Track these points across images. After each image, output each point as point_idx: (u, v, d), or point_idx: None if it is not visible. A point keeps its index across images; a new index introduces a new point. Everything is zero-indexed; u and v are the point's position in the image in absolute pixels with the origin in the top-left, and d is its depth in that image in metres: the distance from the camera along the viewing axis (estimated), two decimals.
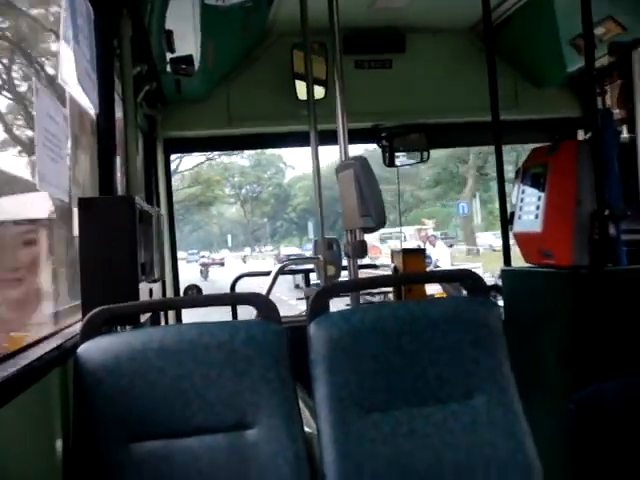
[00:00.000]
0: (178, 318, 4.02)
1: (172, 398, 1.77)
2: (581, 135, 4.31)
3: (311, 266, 5.17)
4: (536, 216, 3.04)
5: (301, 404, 1.91)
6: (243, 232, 56.64)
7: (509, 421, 1.88)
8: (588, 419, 2.49)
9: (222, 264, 41.06)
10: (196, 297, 2.53)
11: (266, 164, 51.38)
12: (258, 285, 3.60)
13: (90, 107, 2.34)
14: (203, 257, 40.64)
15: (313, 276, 4.91)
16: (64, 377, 1.77)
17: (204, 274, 28.85)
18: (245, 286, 4.30)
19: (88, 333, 1.82)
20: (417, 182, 41.77)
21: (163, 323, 3.66)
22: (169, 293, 4.06)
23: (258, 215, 54.52)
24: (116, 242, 2.08)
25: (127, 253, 2.10)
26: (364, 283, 2.91)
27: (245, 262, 43.16)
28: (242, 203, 53.32)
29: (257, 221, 55.47)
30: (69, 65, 1.95)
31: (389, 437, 1.84)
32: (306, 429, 1.88)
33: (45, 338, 1.92)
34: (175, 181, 33.09)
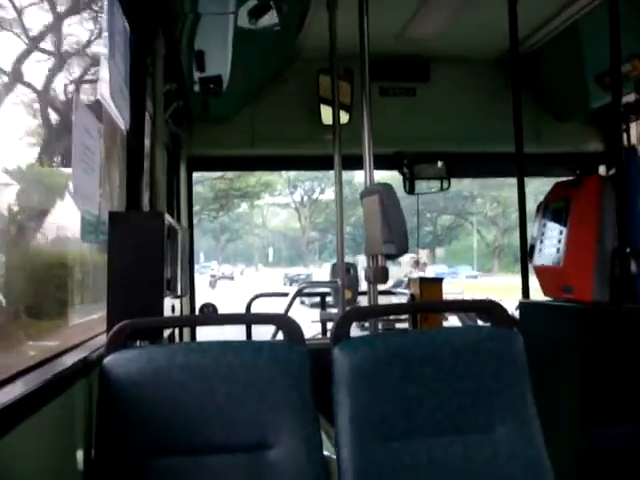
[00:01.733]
0: (193, 334, 4.03)
1: (194, 414, 1.78)
2: (602, 170, 4.32)
3: (327, 289, 5.19)
4: (557, 250, 3.04)
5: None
6: (288, 246, 48.52)
7: (530, 455, 1.86)
8: (602, 459, 2.47)
9: (232, 278, 44.49)
10: (222, 315, 2.53)
11: None
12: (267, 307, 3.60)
13: (121, 123, 2.37)
14: (212, 270, 43.75)
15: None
16: (88, 388, 1.78)
17: (212, 284, 33.69)
18: (259, 305, 4.31)
19: (114, 345, 1.83)
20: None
21: (177, 338, 3.67)
22: (185, 309, 4.06)
23: (314, 224, 44.78)
24: (144, 256, 2.09)
25: (154, 268, 2.11)
26: (387, 309, 2.91)
27: (242, 274, 45.18)
28: (298, 206, 44.57)
29: (310, 233, 45.47)
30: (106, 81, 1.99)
31: (409, 467, 1.83)
32: (325, 453, 1.88)
33: (70, 349, 1.93)
34: None
